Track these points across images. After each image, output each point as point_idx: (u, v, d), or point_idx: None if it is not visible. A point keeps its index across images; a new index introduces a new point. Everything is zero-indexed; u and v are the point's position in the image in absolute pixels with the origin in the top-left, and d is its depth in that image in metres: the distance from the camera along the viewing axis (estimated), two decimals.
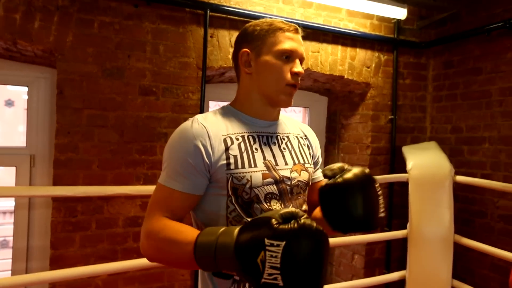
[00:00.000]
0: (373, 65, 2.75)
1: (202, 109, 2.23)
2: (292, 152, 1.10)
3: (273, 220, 0.75)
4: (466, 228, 2.60)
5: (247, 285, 0.98)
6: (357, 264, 2.83)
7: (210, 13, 2.21)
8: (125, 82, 2.08)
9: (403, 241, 2.57)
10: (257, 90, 1.06)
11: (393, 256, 2.80)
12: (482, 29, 2.53)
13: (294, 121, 1.20)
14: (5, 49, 2.02)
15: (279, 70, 1.02)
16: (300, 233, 0.72)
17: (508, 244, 2.34)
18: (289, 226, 0.73)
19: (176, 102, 2.18)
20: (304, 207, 1.09)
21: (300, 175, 1.07)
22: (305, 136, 1.18)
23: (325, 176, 1.04)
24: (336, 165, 1.05)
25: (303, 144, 1.15)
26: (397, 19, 2.74)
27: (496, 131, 2.51)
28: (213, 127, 1.00)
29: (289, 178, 1.04)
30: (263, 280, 0.71)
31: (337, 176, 1.01)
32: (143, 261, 1.80)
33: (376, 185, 1.05)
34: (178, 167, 0.97)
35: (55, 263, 1.97)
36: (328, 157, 3.12)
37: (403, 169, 2.59)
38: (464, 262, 2.62)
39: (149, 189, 1.85)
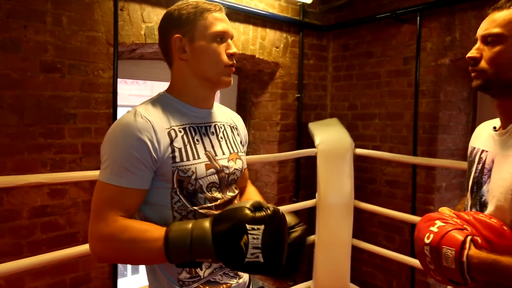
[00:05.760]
0: (282, 46, 2.88)
1: (115, 87, 2.09)
2: (228, 142, 1.14)
3: (247, 210, 0.87)
4: (360, 193, 2.98)
5: (201, 269, 1.02)
6: None
7: None
8: (22, 56, 1.83)
9: (310, 209, 2.84)
10: (195, 75, 1.06)
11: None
12: (373, 17, 2.83)
13: (225, 109, 1.24)
14: None
15: (216, 53, 1.03)
16: (274, 218, 0.87)
17: (392, 204, 2.78)
18: (265, 212, 0.86)
19: (85, 80, 2.00)
20: (236, 191, 1.15)
21: (235, 163, 1.13)
22: (236, 126, 1.22)
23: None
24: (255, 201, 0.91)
25: (236, 134, 1.20)
26: (302, 2, 2.89)
27: (384, 108, 2.89)
28: (156, 120, 0.99)
29: (227, 167, 1.09)
30: (246, 259, 0.83)
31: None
32: (54, 254, 1.67)
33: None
34: (124, 163, 0.94)
35: None
36: None
37: (309, 144, 2.83)
38: (358, 223, 3.01)
39: (56, 176, 1.72)
